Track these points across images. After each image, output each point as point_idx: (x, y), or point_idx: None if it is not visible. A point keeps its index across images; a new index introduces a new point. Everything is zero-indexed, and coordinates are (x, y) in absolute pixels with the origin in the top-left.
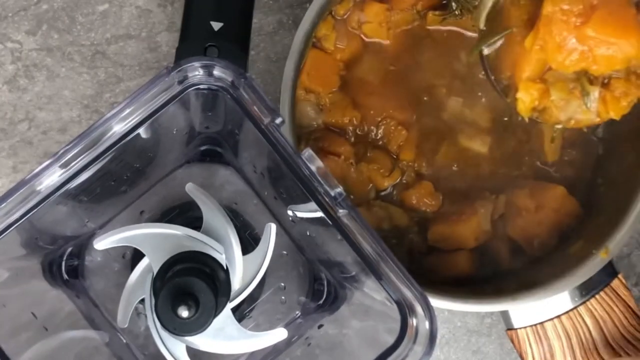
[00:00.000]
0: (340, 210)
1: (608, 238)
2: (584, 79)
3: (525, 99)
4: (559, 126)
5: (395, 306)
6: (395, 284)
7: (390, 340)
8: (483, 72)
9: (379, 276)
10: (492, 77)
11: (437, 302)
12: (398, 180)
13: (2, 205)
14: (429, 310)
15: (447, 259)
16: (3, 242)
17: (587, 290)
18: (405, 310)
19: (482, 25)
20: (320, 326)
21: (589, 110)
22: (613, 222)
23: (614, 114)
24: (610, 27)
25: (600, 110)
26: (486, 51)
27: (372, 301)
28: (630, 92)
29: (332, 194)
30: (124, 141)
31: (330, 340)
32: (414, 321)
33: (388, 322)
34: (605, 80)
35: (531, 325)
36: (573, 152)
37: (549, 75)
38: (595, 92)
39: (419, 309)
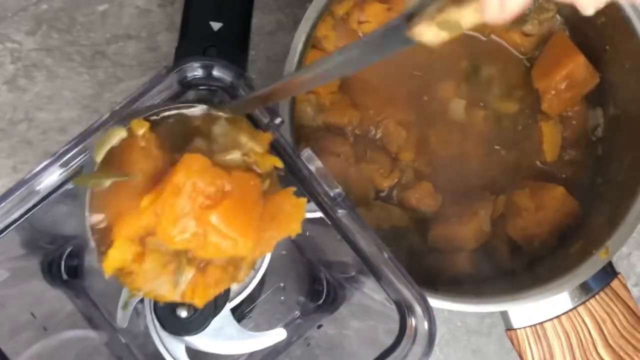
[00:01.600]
0: (340, 211)
1: (608, 238)
2: (184, 257)
3: (115, 257)
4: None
5: (394, 306)
6: (394, 284)
7: (389, 340)
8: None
9: (378, 276)
10: (87, 214)
11: (437, 303)
12: (397, 180)
13: (2, 205)
14: (427, 310)
15: (447, 259)
16: (2, 242)
17: (587, 290)
18: (404, 311)
19: (98, 159)
20: (319, 326)
21: (174, 289)
22: (613, 222)
23: (198, 301)
24: (234, 222)
25: (186, 293)
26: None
27: (371, 301)
28: (222, 283)
29: (332, 194)
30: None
31: (330, 340)
32: (413, 321)
33: (387, 323)
34: (202, 264)
35: (531, 326)
36: (573, 152)
37: (149, 241)
38: (189, 274)
39: (418, 309)
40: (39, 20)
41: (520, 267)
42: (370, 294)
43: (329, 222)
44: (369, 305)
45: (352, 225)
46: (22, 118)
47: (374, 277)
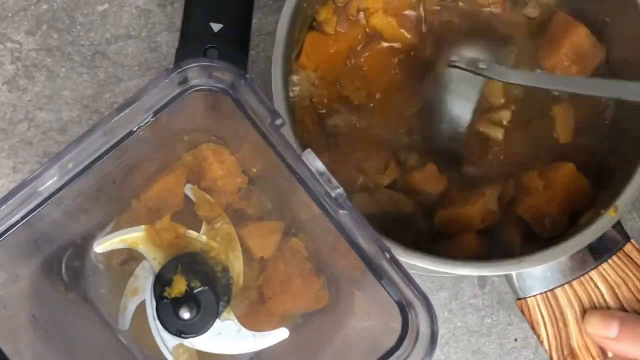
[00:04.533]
0: (341, 211)
1: (617, 198)
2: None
3: None
4: None
5: (396, 306)
6: (396, 284)
7: (391, 341)
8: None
9: (379, 276)
10: None
11: (440, 267)
12: (397, 176)
13: (3, 207)
14: (430, 310)
15: (454, 245)
16: (3, 243)
17: (598, 254)
18: (406, 311)
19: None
20: (321, 327)
21: None
22: (621, 183)
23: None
24: None
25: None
26: None
27: (372, 301)
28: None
29: (333, 194)
30: (124, 142)
31: (331, 341)
32: (414, 322)
33: (389, 323)
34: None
35: (541, 293)
36: (586, 137)
37: None
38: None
39: (420, 309)
40: (39, 20)
41: (531, 251)
42: (371, 294)
43: (330, 223)
44: (370, 306)
45: (353, 225)
46: (22, 118)
47: (376, 277)
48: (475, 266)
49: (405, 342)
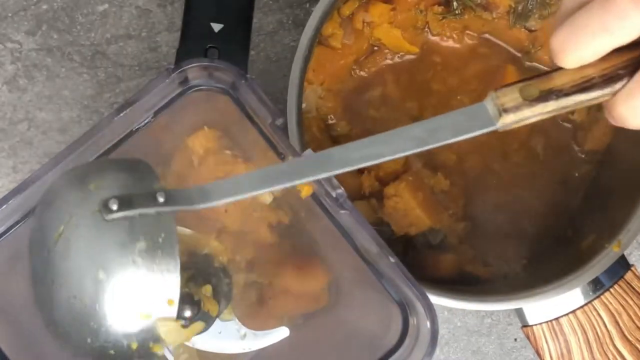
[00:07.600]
0: (342, 211)
1: (620, 231)
2: None
3: None
4: None
5: (396, 306)
6: (396, 284)
7: (391, 341)
8: None
9: (380, 276)
10: None
11: (452, 303)
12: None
13: (3, 207)
14: (430, 310)
15: (432, 258)
16: (3, 243)
17: (601, 284)
18: (406, 311)
19: None
20: (320, 326)
21: None
22: (624, 215)
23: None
24: None
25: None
26: None
27: (372, 301)
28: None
29: (334, 194)
30: (125, 142)
31: (332, 340)
32: (415, 321)
33: (389, 323)
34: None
35: (547, 322)
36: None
37: None
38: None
39: (420, 309)
40: (39, 20)
41: (532, 262)
42: (371, 294)
43: (331, 223)
44: (371, 306)
45: (353, 225)
46: (22, 118)
47: (376, 277)
48: (485, 302)
49: (406, 342)
